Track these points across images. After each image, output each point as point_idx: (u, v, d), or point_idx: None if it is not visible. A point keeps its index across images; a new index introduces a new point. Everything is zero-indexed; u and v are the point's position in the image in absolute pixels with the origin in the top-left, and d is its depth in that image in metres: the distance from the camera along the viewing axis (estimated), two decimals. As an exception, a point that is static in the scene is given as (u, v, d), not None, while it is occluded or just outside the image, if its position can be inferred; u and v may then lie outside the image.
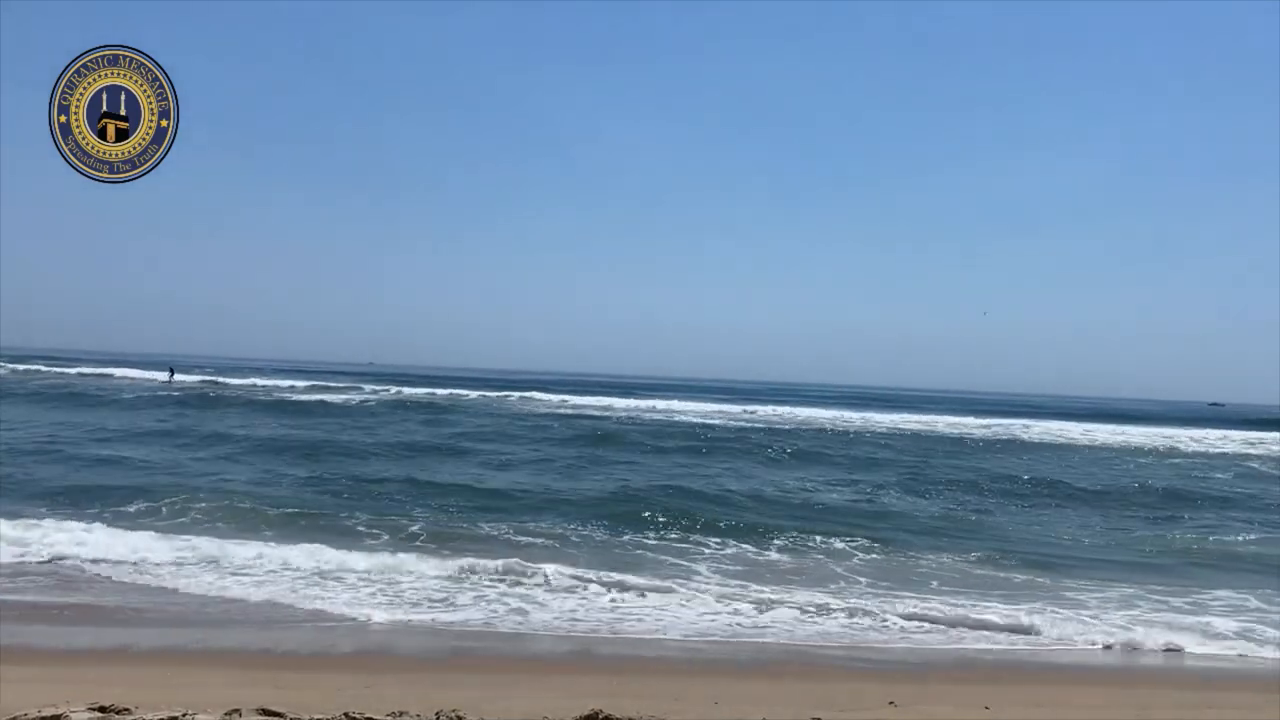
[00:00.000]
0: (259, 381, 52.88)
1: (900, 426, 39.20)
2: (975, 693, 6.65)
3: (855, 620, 8.85)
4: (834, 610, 9.10)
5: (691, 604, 9.26)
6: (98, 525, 11.65)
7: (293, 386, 49.95)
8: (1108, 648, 8.24)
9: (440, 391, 50.53)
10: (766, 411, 46.88)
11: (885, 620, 8.84)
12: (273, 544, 11.12)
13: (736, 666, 7.43)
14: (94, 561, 10.17)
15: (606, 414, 39.62)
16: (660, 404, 49.79)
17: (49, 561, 10.11)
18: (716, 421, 38.21)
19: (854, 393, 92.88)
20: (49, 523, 11.58)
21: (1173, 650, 8.20)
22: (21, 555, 10.21)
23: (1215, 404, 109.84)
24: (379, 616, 8.38)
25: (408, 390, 50.13)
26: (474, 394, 49.47)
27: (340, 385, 52.13)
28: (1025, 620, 8.73)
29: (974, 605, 9.34)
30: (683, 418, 39.87)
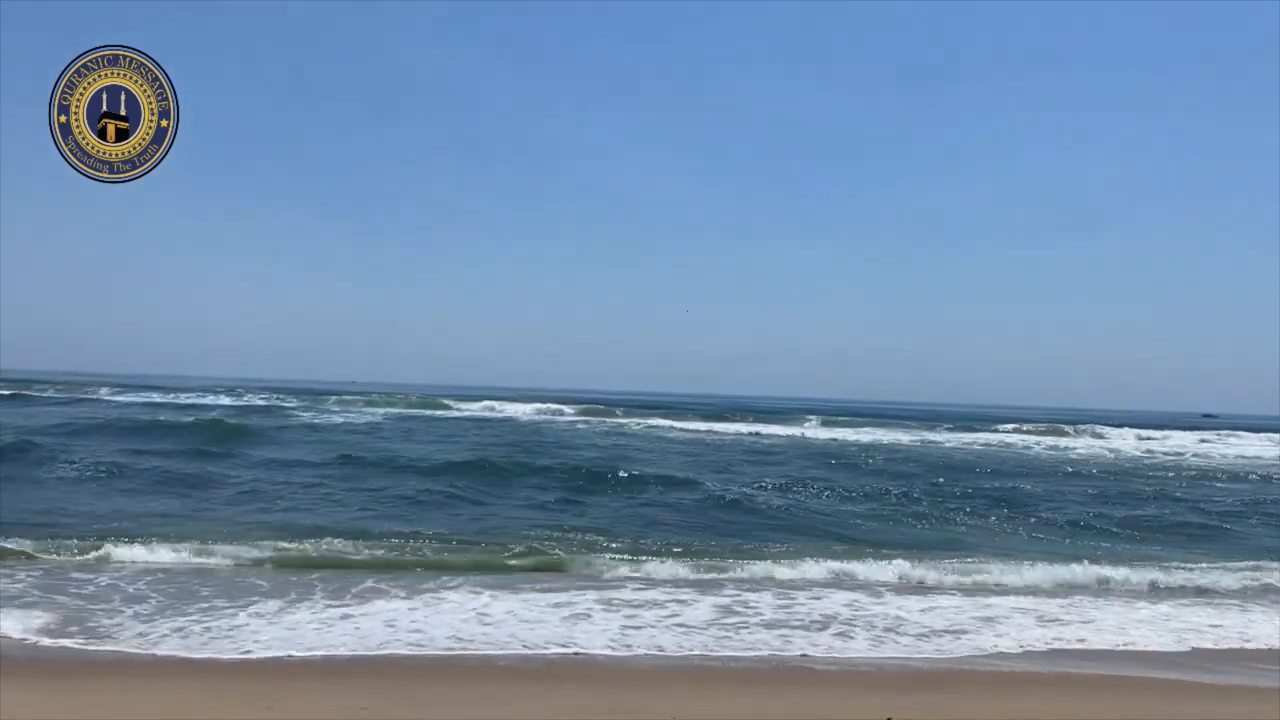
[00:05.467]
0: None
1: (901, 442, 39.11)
2: (976, 705, 6.62)
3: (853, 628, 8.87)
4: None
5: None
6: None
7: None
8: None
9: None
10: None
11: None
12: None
13: (733, 676, 7.40)
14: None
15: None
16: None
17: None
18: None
19: (865, 409, 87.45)
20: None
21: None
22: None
23: (1209, 415, 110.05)
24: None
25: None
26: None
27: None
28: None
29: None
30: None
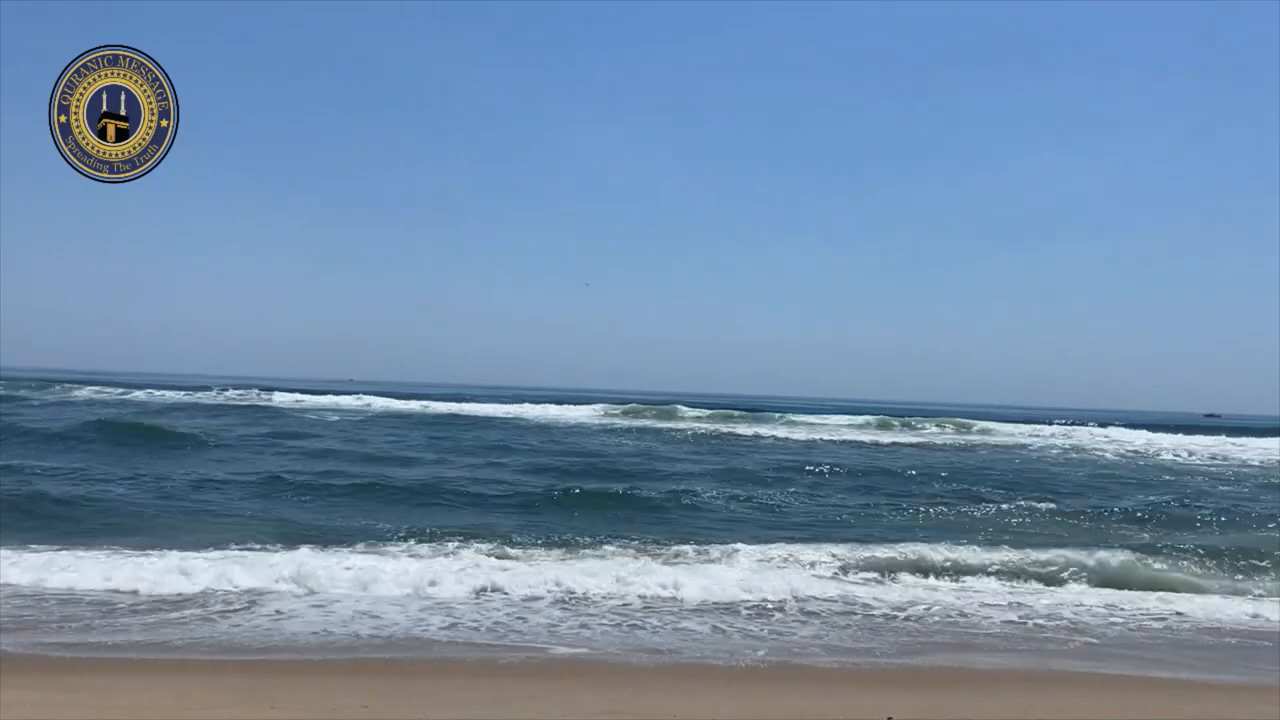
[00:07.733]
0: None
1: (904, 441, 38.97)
2: (976, 704, 6.61)
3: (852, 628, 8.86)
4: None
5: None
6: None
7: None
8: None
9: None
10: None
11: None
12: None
13: (730, 674, 7.41)
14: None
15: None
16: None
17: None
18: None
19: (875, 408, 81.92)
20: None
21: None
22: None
23: (1211, 415, 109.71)
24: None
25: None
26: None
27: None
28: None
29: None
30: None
